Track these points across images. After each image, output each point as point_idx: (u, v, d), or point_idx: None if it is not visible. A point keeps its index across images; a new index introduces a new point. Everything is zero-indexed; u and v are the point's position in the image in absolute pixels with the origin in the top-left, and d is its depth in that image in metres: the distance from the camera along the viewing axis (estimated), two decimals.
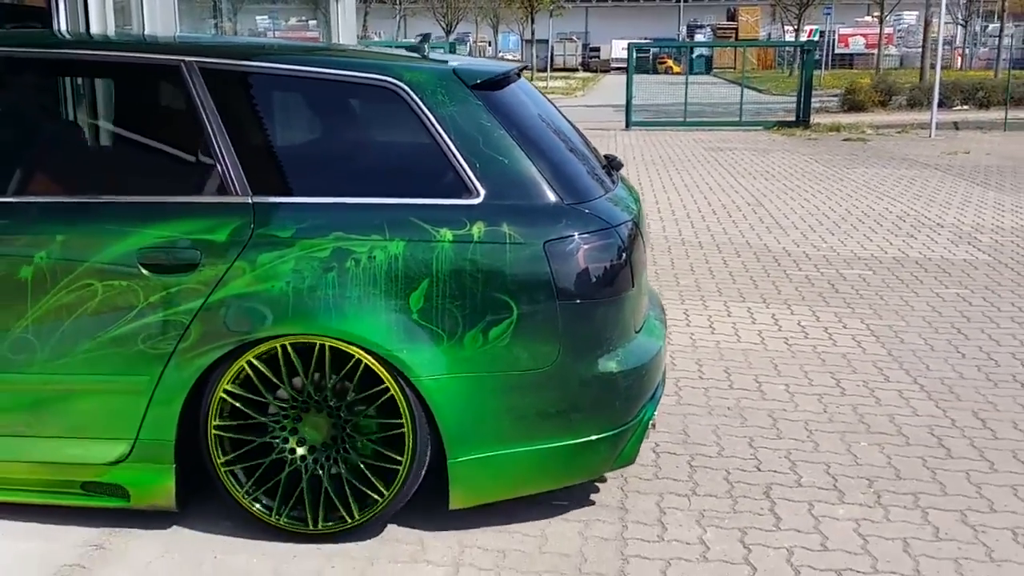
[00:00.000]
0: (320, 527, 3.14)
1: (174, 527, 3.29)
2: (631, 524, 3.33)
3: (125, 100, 3.58)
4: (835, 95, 24.89)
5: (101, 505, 3.21)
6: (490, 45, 49.61)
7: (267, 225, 3.02)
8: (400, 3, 48.85)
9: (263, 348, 3.02)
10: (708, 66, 47.07)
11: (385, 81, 3.14)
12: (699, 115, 21.49)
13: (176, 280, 3.02)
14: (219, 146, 3.11)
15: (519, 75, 3.55)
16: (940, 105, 19.47)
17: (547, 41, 48.57)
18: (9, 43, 3.40)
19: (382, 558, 3.12)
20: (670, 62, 46.53)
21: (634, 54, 21.02)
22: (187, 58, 3.19)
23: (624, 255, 3.11)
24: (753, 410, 4.40)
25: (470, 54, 42.84)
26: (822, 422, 4.26)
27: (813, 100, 21.39)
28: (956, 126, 19.13)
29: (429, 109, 3.09)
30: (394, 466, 3.08)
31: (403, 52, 3.61)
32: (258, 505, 3.16)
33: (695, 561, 3.12)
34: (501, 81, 3.31)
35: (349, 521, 3.13)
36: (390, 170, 3.22)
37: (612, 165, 3.67)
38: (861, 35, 47.00)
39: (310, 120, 3.45)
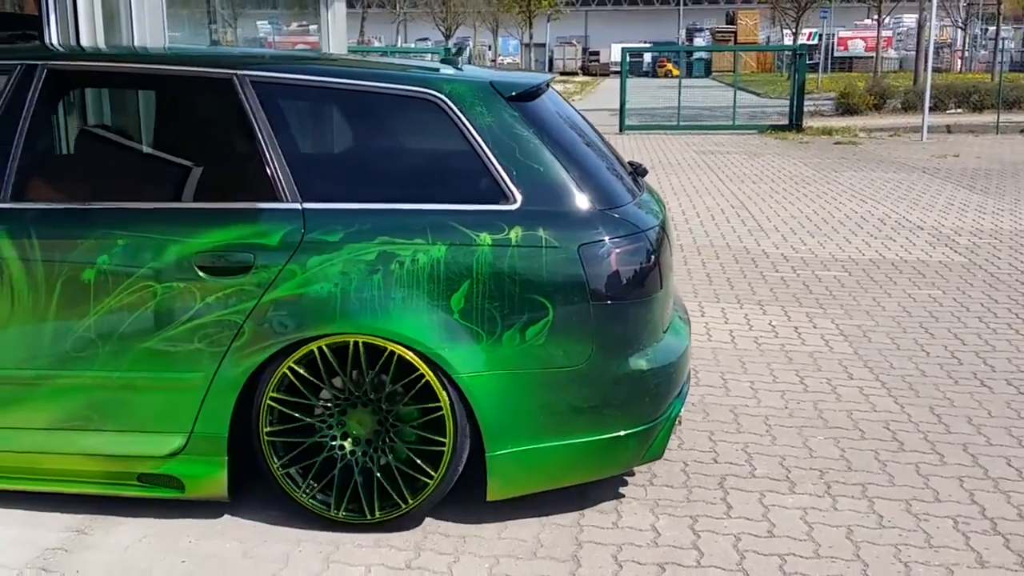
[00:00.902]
0: (377, 515, 3.30)
1: (152, 515, 3.44)
2: (588, 512, 3.49)
3: (181, 111, 3.76)
4: (831, 98, 25.04)
5: (157, 496, 3.38)
6: (490, 49, 49.78)
7: (316, 230, 3.20)
8: (399, 8, 49.04)
9: (311, 347, 3.19)
10: (708, 70, 47.24)
11: (427, 93, 3.33)
12: (694, 119, 21.66)
13: (231, 282, 3.19)
14: (270, 155, 3.29)
15: (549, 86, 3.72)
16: (934, 108, 19.65)
17: (546, 45, 48.73)
18: (68, 56, 3.57)
19: (347, 542, 3.28)
20: (669, 66, 46.69)
21: (627, 58, 21.19)
22: (239, 71, 3.38)
23: (653, 258, 3.29)
24: (716, 406, 4.55)
25: (469, 60, 43.02)
26: (782, 417, 4.41)
27: (809, 103, 21.57)
28: (948, 129, 19.29)
29: (468, 120, 3.28)
30: (439, 448, 3.24)
31: (439, 64, 3.78)
32: (316, 502, 3.32)
33: (645, 546, 3.28)
34: (534, 92, 3.48)
35: (403, 506, 3.30)
36: (431, 177, 3.40)
37: (637, 171, 3.84)
38: (860, 38, 47.13)
39: (355, 130, 3.63)
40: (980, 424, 4.35)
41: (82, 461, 3.36)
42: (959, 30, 43.20)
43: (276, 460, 3.30)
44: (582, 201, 3.25)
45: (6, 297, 3.28)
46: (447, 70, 3.62)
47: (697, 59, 46.96)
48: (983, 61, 40.97)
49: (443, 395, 3.18)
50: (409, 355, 3.16)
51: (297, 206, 3.24)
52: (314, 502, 3.32)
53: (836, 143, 17.37)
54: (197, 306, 3.20)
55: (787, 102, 21.75)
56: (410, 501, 3.28)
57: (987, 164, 13.99)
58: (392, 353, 3.17)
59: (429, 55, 25.32)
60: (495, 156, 3.24)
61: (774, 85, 34.13)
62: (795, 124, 19.76)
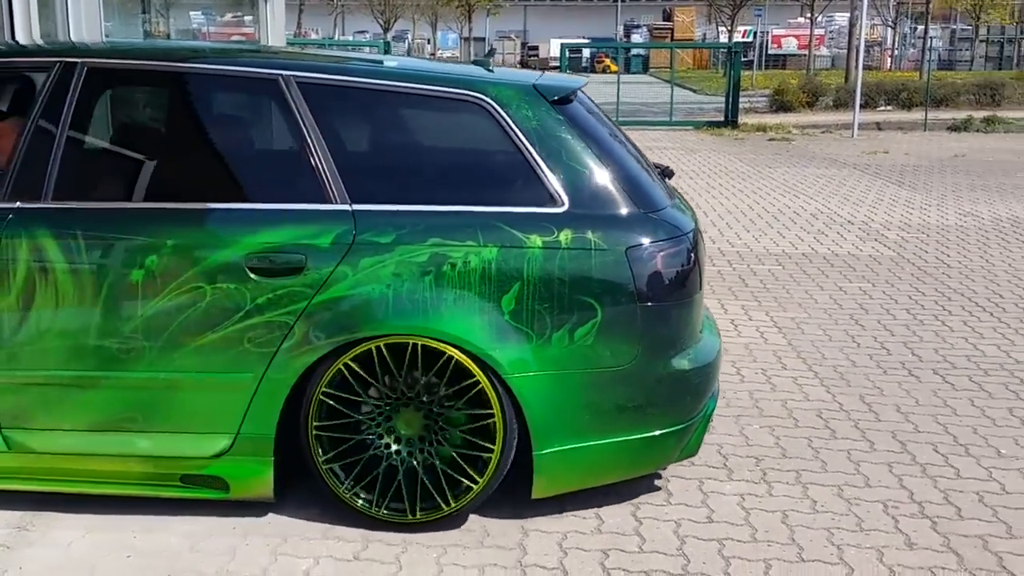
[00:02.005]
0: (418, 516, 3.31)
1: (95, 511, 3.42)
2: (533, 503, 3.55)
3: (226, 111, 3.71)
4: (765, 95, 25.45)
5: (200, 497, 3.36)
6: (429, 43, 49.62)
7: (368, 231, 3.20)
8: (336, 0, 48.65)
9: (363, 348, 3.19)
10: (645, 66, 47.65)
11: (473, 96, 3.35)
12: (632, 115, 21.86)
13: (282, 283, 3.18)
14: (318, 156, 3.28)
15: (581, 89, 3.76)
16: (864, 106, 20.09)
17: (485, 39, 48.74)
18: (108, 54, 3.50)
19: (294, 534, 3.31)
20: (608, 61, 46.98)
21: (566, 53, 21.32)
22: (285, 72, 3.36)
23: (694, 259, 3.36)
24: None
25: (408, 52, 42.83)
26: (719, 407, 4.51)
27: (743, 100, 21.90)
28: (879, 126, 19.75)
29: (515, 123, 3.31)
30: (486, 454, 3.26)
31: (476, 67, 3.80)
32: (360, 500, 3.32)
33: (589, 533, 3.36)
34: (571, 95, 3.52)
35: (445, 509, 3.31)
36: (478, 180, 3.41)
37: (664, 174, 3.89)
38: (793, 36, 47.91)
39: (400, 132, 3.62)
40: (908, 412, 4.50)
41: (125, 462, 3.33)
42: (889, 29, 44.15)
43: (322, 455, 3.30)
44: (627, 204, 3.30)
45: (50, 298, 3.22)
46: (482, 71, 3.64)
47: (635, 55, 47.35)
48: (912, 59, 41.91)
49: (493, 395, 3.20)
50: (460, 356, 3.18)
51: (347, 207, 3.24)
52: (356, 499, 3.32)
53: (770, 139, 17.69)
54: (247, 307, 3.18)
55: (723, 99, 22.08)
56: (452, 504, 3.30)
57: (915, 160, 14.36)
58: (443, 354, 3.19)
59: (368, 48, 25.19)
60: (542, 159, 3.28)
61: (710, 82, 34.56)
62: (731, 121, 20.06)
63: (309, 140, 3.30)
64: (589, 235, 3.21)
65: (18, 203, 3.28)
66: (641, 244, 3.23)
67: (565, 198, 3.25)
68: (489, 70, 3.66)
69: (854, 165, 13.81)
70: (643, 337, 3.25)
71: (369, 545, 3.26)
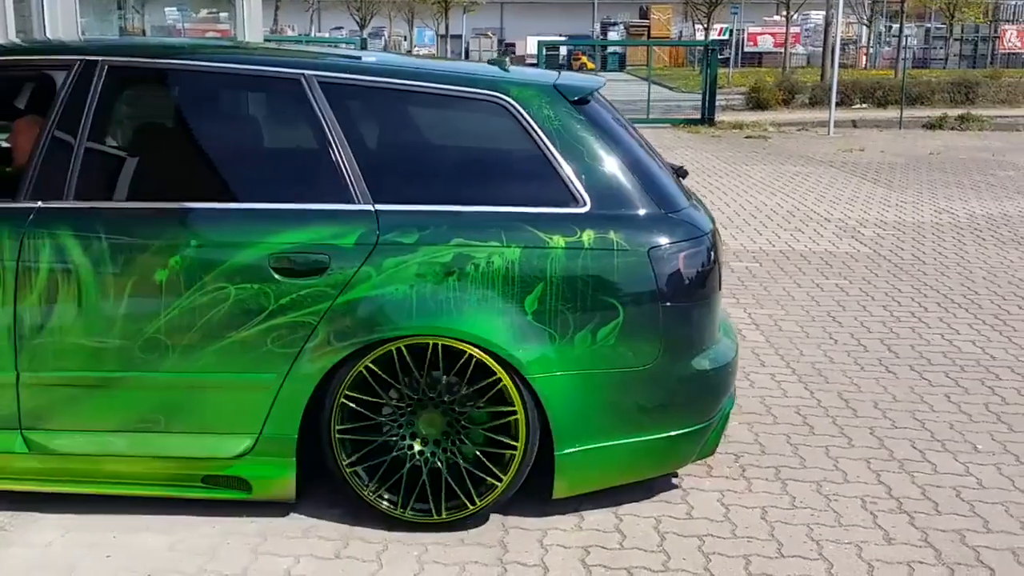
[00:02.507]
0: (444, 515, 3.30)
1: (74, 510, 3.40)
2: (514, 501, 3.55)
3: (248, 110, 3.68)
4: (742, 93, 25.55)
5: (221, 497, 3.33)
6: (405, 40, 49.50)
7: (391, 231, 3.19)
8: None
9: (386, 348, 3.18)
10: (622, 63, 47.74)
11: (494, 96, 3.35)
12: None
13: (306, 283, 3.17)
14: (340, 156, 3.27)
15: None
16: (840, 104, 20.20)
17: (462, 37, 48.70)
18: (129, 52, 3.47)
19: (275, 533, 3.30)
20: (584, 59, 47.04)
21: (543, 51, 21.33)
22: (307, 72, 3.35)
23: (713, 259, 3.37)
24: None
25: (385, 49, 42.73)
26: None
27: (720, 98, 21.97)
28: (854, 124, 19.86)
29: (536, 123, 3.32)
30: (509, 452, 3.26)
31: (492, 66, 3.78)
32: (385, 502, 3.31)
33: (569, 530, 3.37)
34: (590, 95, 3.51)
35: (470, 507, 3.30)
36: (501, 180, 3.42)
37: (678, 174, 3.90)
38: (769, 34, 48.13)
39: (422, 132, 3.61)
40: (886, 408, 4.54)
41: (147, 463, 3.31)
42: (864, 27, 44.41)
43: (345, 458, 3.28)
44: (649, 204, 3.31)
45: (72, 298, 3.19)
46: (500, 71, 3.63)
47: (612, 53, 47.43)
48: (887, 58, 42.19)
49: (516, 396, 3.20)
50: (484, 356, 3.18)
51: (370, 207, 3.23)
52: (381, 501, 3.31)
53: (747, 137, 17.76)
54: (271, 307, 3.17)
55: (699, 96, 22.14)
56: (477, 502, 3.30)
57: (891, 158, 14.47)
58: (467, 354, 3.19)
59: (344, 44, 25.09)
60: (564, 159, 3.29)
61: (687, 80, 34.66)
62: (707, 118, 20.12)
63: (331, 140, 3.29)
64: (611, 235, 3.22)
65: (39, 203, 3.26)
66: (663, 244, 3.25)
67: (587, 198, 3.26)
68: (505, 69, 3.65)
69: (830, 163, 13.89)
70: (664, 337, 3.26)
71: (350, 543, 3.25)
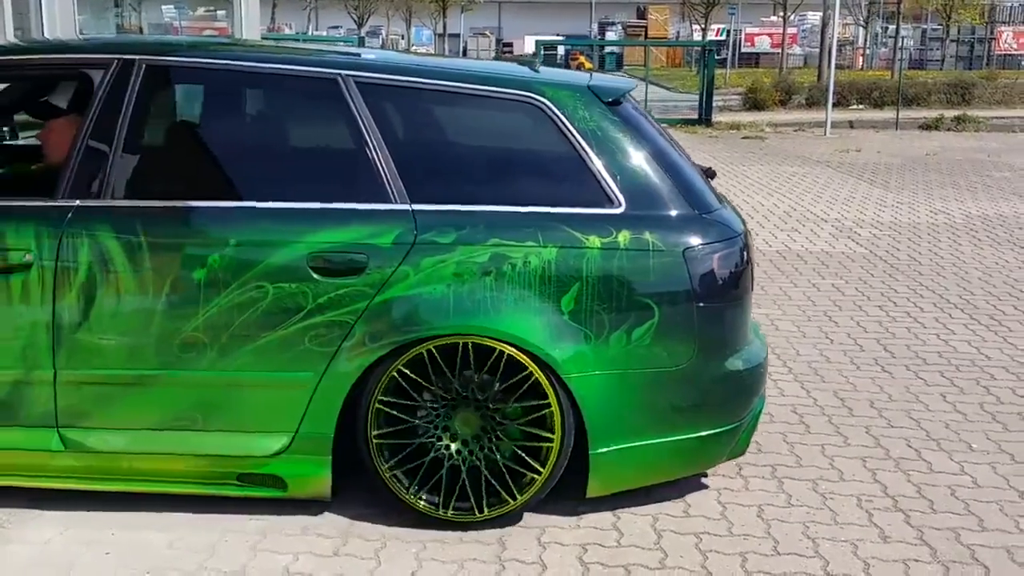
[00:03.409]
0: (487, 513, 3.32)
1: (73, 507, 3.41)
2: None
3: (284, 110, 3.69)
4: (739, 93, 25.57)
5: (256, 495, 3.35)
6: (403, 39, 49.48)
7: (429, 231, 3.21)
8: None
9: (423, 348, 3.20)
10: (619, 63, 47.74)
11: (529, 97, 3.37)
12: None
13: (344, 283, 3.18)
14: (377, 156, 3.29)
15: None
16: (837, 104, 20.22)
17: (460, 36, 48.70)
18: (166, 52, 3.48)
19: (274, 531, 3.31)
20: (582, 59, 47.06)
21: (541, 51, 21.36)
22: (344, 72, 3.36)
23: (747, 259, 3.39)
24: None
25: (382, 47, 42.72)
26: None
27: (717, 98, 21.99)
28: (851, 124, 19.90)
29: (571, 124, 3.33)
30: (547, 444, 3.28)
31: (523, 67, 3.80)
32: (423, 502, 3.32)
33: (567, 528, 3.38)
34: (623, 97, 3.52)
35: (512, 502, 3.32)
36: (537, 180, 3.42)
37: (708, 175, 3.92)
38: (767, 34, 48.17)
39: (458, 132, 3.62)
40: (881, 407, 4.56)
41: (183, 461, 3.32)
42: (861, 28, 44.47)
43: (384, 463, 3.30)
44: (682, 206, 3.33)
45: (111, 296, 3.20)
46: (531, 72, 3.65)
47: (609, 53, 47.43)
48: (884, 59, 42.23)
49: (552, 395, 3.22)
50: (521, 355, 3.19)
51: (407, 207, 3.25)
52: (422, 502, 3.32)
53: (744, 137, 17.79)
54: (309, 306, 3.18)
55: (697, 97, 22.17)
56: (519, 496, 3.31)
57: (887, 159, 14.50)
58: (503, 354, 3.20)
59: (342, 43, 25.09)
60: (599, 160, 3.30)
61: (684, 80, 34.69)
62: (705, 118, 20.15)
63: (368, 139, 3.30)
64: (647, 236, 3.24)
65: (78, 201, 3.27)
66: (698, 245, 3.27)
67: (622, 199, 3.28)
68: (535, 70, 3.66)
69: (827, 163, 13.92)
70: (699, 337, 3.28)
71: (348, 541, 3.27)
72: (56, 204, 3.27)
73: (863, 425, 4.34)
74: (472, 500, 3.31)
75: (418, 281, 3.19)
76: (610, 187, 3.29)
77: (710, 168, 3.98)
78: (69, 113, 3.72)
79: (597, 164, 3.30)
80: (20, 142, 4.81)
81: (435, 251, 3.20)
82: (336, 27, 47.53)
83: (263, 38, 14.97)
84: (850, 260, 7.64)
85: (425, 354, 3.21)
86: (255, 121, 3.66)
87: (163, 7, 12.58)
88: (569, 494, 3.46)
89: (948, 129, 19.19)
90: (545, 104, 3.36)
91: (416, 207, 3.25)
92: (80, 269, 3.20)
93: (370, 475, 3.33)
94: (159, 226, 3.24)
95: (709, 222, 3.34)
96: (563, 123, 3.34)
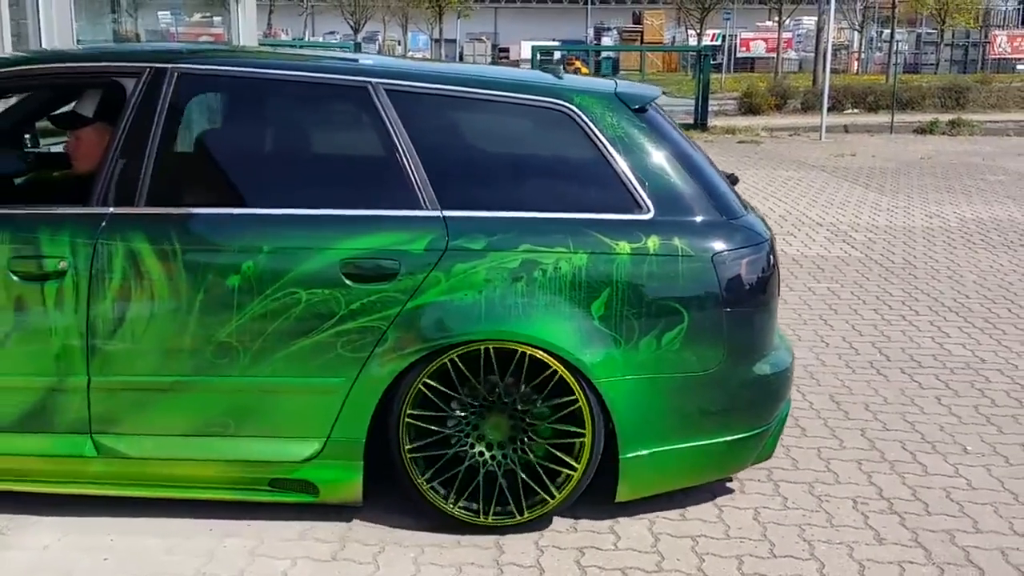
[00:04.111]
0: (526, 515, 3.34)
1: (71, 513, 3.42)
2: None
3: (315, 117, 3.71)
4: (734, 98, 25.63)
5: (287, 501, 3.36)
6: (399, 44, 49.53)
7: (460, 237, 3.23)
8: (306, 1, 48.50)
9: (454, 353, 3.22)
10: (615, 68, 47.77)
11: (558, 104, 3.40)
12: None
13: (376, 289, 3.20)
14: (408, 163, 3.31)
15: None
16: (832, 109, 20.28)
17: (456, 41, 48.76)
18: (198, 60, 3.51)
19: (271, 536, 3.32)
20: (578, 64, 47.12)
21: (537, 56, 21.40)
22: (374, 80, 3.39)
23: (773, 264, 3.42)
24: None
25: (379, 53, 42.75)
26: None
27: (713, 103, 22.05)
28: (846, 129, 19.95)
29: (600, 130, 3.36)
30: (580, 439, 3.29)
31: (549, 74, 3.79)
32: (461, 510, 3.34)
33: (565, 532, 3.40)
34: (649, 104, 3.55)
35: (551, 501, 3.34)
36: (565, 187, 3.45)
37: (731, 181, 3.94)
38: (762, 39, 48.26)
39: (487, 139, 3.64)
40: (876, 410, 4.58)
41: (215, 467, 3.33)
42: (856, 32, 44.60)
43: (420, 476, 3.31)
44: (710, 211, 3.35)
45: (145, 302, 3.22)
46: (544, 79, 3.66)
47: (605, 58, 47.50)
48: (879, 63, 42.34)
49: (583, 399, 3.24)
50: (551, 360, 3.21)
51: (438, 213, 3.27)
52: (461, 510, 3.34)
53: (739, 142, 17.84)
54: (341, 312, 3.20)
55: (692, 101, 22.21)
56: (556, 495, 3.33)
57: (882, 163, 14.54)
58: (535, 359, 3.22)
59: (338, 48, 25.14)
60: (627, 166, 3.33)
61: (680, 85, 34.73)
62: (700, 123, 20.19)
63: (399, 146, 3.33)
64: (676, 242, 3.26)
65: (112, 208, 3.28)
66: (727, 251, 3.30)
67: (650, 205, 3.31)
68: (559, 77, 3.68)
69: (822, 167, 13.96)
70: (728, 342, 3.31)
71: (346, 545, 3.28)
72: (90, 211, 3.29)
73: (858, 428, 4.36)
74: (511, 503, 3.33)
75: (450, 287, 3.21)
76: (639, 193, 3.32)
77: (733, 174, 4.00)
78: (95, 122, 3.74)
79: (625, 170, 3.33)
80: (40, 149, 4.85)
81: (467, 257, 3.22)
82: (332, 32, 47.56)
83: (260, 44, 15.00)
84: (845, 264, 7.67)
85: (457, 359, 3.23)
86: (286, 128, 3.69)
87: (159, 13, 12.59)
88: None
89: (943, 133, 19.25)
90: (573, 111, 3.38)
91: (447, 213, 3.27)
92: (114, 276, 3.22)
93: (406, 488, 3.35)
94: (193, 233, 3.25)
95: (736, 227, 3.37)
96: (591, 130, 3.36)
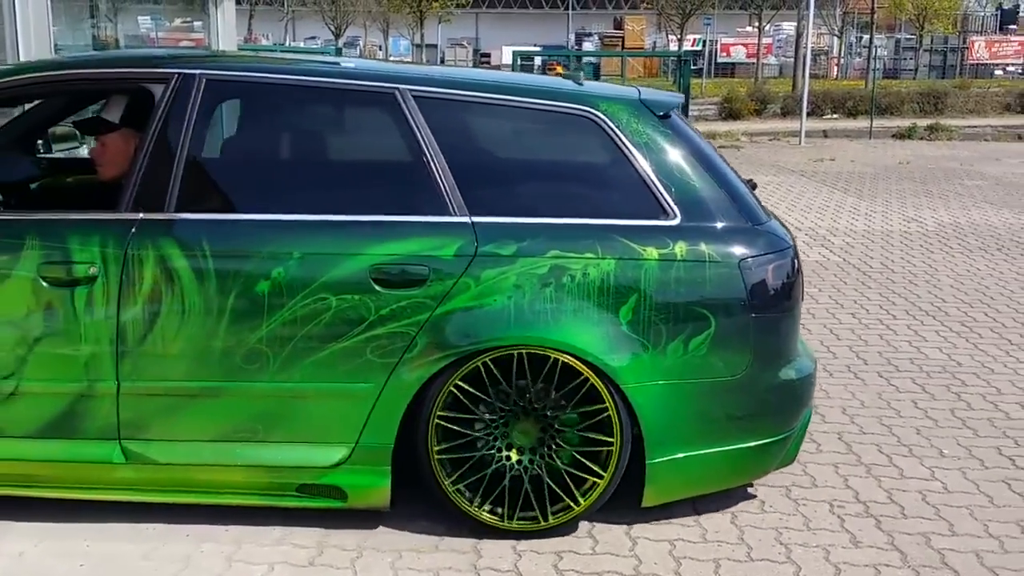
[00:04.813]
0: (551, 520, 3.34)
1: (47, 519, 3.40)
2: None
3: (347, 124, 3.71)
4: (715, 103, 25.73)
5: (315, 506, 3.35)
6: (380, 49, 49.49)
7: (490, 243, 3.24)
8: (287, 5, 48.40)
9: (483, 359, 3.22)
10: (596, 73, 47.90)
11: (584, 111, 3.41)
12: None
13: (406, 294, 3.20)
14: (437, 169, 3.32)
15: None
16: (811, 114, 20.40)
17: (437, 46, 48.76)
18: (226, 66, 3.51)
19: (249, 541, 3.31)
20: (559, 68, 47.21)
21: (518, 61, 21.43)
22: (401, 86, 3.39)
23: (797, 269, 3.44)
24: None
25: (360, 57, 42.63)
26: None
27: (693, 108, 22.12)
28: (825, 134, 20.05)
29: (626, 137, 3.38)
30: (608, 448, 3.30)
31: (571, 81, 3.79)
32: (487, 513, 3.34)
33: (543, 537, 3.39)
34: (672, 110, 3.56)
35: (575, 508, 3.34)
36: (592, 193, 3.47)
37: (751, 187, 3.95)
38: (742, 45, 48.49)
39: (514, 145, 3.66)
40: (853, 414, 4.61)
41: (243, 473, 3.32)
42: (835, 38, 44.85)
43: (447, 478, 3.31)
44: (736, 218, 3.37)
45: (174, 308, 3.20)
46: (570, 85, 3.67)
47: (586, 63, 47.63)
48: (858, 68, 42.61)
49: (611, 404, 3.25)
50: (580, 365, 3.22)
51: (467, 219, 3.27)
52: (486, 514, 3.34)
53: (720, 146, 17.84)
54: (371, 318, 3.20)
55: None
56: (582, 502, 3.33)
57: (861, 168, 14.64)
58: (563, 364, 3.23)
59: (320, 53, 25.09)
60: (654, 173, 3.35)
61: (660, 89, 34.83)
62: None
63: (427, 153, 3.33)
64: (703, 247, 3.28)
65: (142, 214, 3.27)
66: (753, 256, 3.32)
67: (677, 211, 3.32)
68: (579, 83, 3.68)
69: (801, 172, 14.04)
70: (754, 347, 3.32)
71: (324, 551, 3.27)
72: (121, 217, 3.28)
73: (835, 432, 4.39)
74: (536, 509, 3.34)
75: (479, 293, 3.22)
76: (665, 199, 3.33)
77: (751, 180, 4.03)
78: (121, 127, 3.74)
79: (652, 176, 3.35)
80: (55, 155, 4.85)
81: (496, 263, 3.23)
82: (313, 37, 47.49)
83: (240, 49, 14.96)
84: (823, 268, 7.71)
85: (485, 366, 3.23)
86: (315, 134, 3.69)
87: (139, 18, 12.53)
88: None
89: (921, 138, 19.40)
90: (599, 117, 3.40)
91: (476, 219, 3.28)
92: (144, 281, 3.21)
93: (432, 489, 3.35)
94: (223, 239, 3.25)
95: (761, 233, 3.40)
96: (617, 136, 3.38)
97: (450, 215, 3.29)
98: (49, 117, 4.40)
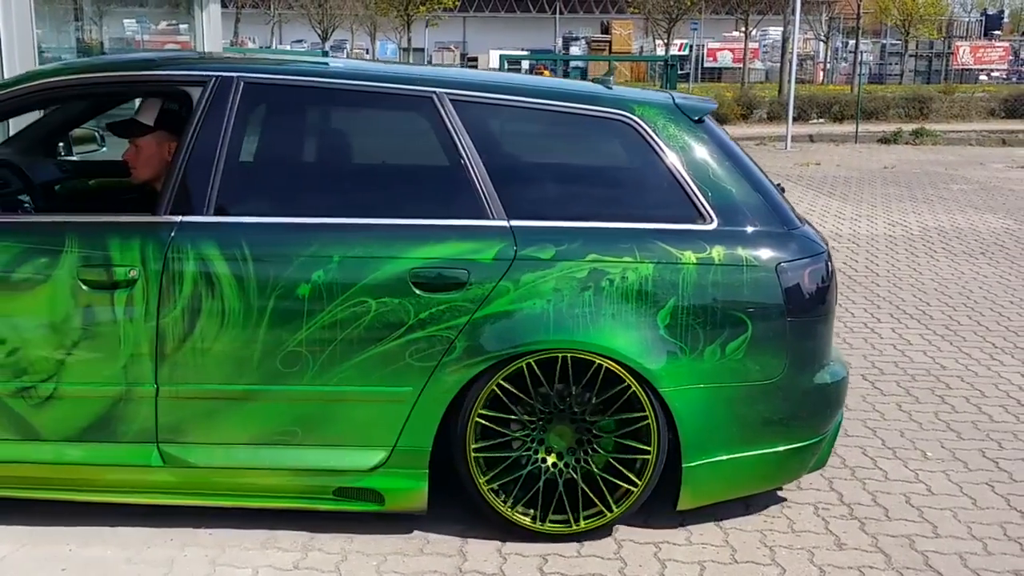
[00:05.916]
0: (583, 524, 3.34)
1: (30, 523, 3.38)
2: (473, 511, 3.58)
3: (385, 128, 3.70)
4: None
5: (353, 510, 3.34)
6: (367, 53, 49.44)
7: (529, 247, 3.24)
8: (273, 8, 48.33)
9: (523, 362, 3.22)
10: (583, 77, 48.02)
11: (620, 115, 3.41)
12: None
13: (445, 298, 3.20)
14: (475, 173, 3.31)
15: None
16: (797, 118, 20.48)
17: (424, 50, 48.75)
18: (264, 70, 3.51)
19: (233, 544, 3.30)
20: (547, 72, 47.26)
21: (505, 65, 21.45)
22: (439, 90, 3.38)
23: (832, 274, 3.45)
24: None
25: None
26: None
27: None
28: (811, 138, 20.15)
29: (662, 141, 3.39)
30: (644, 456, 3.31)
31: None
32: (520, 514, 3.34)
33: (527, 540, 3.39)
34: (706, 115, 3.56)
35: (608, 514, 3.34)
36: (629, 197, 3.47)
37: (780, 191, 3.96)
38: (729, 49, 48.64)
39: (551, 149, 3.67)
40: None
41: (281, 476, 3.31)
42: (821, 43, 45.04)
43: (482, 476, 3.30)
44: (771, 222, 3.37)
45: (214, 312, 3.19)
46: (633, 91, 3.68)
47: (573, 67, 47.71)
48: (844, 73, 42.77)
49: (650, 408, 3.25)
50: (619, 369, 3.22)
51: (505, 223, 3.27)
52: (519, 515, 3.34)
53: None
54: (410, 322, 3.19)
55: None
56: (615, 509, 3.34)
57: (846, 172, 14.70)
58: (602, 367, 3.22)
59: (307, 56, 25.04)
60: (690, 177, 3.36)
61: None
62: None
63: (465, 156, 3.33)
64: (740, 252, 3.29)
65: (181, 217, 3.26)
66: (789, 261, 3.32)
67: (713, 215, 3.33)
68: (609, 88, 3.68)
69: (787, 176, 14.08)
70: (790, 351, 3.33)
71: (309, 554, 3.26)
72: (160, 220, 3.27)
73: None
74: (568, 512, 3.34)
75: (518, 296, 3.22)
76: (702, 203, 3.34)
77: (780, 184, 4.05)
78: (156, 130, 3.73)
79: (689, 181, 3.36)
80: (75, 157, 4.83)
81: (535, 267, 3.23)
82: (300, 41, 47.41)
83: (225, 51, 14.90)
84: None
85: (524, 368, 3.23)
86: (352, 138, 3.69)
87: (125, 21, 12.48)
88: None
89: (906, 143, 19.51)
90: (635, 121, 3.41)
91: (515, 223, 3.28)
92: (184, 285, 3.20)
93: (466, 488, 3.35)
94: (262, 242, 3.24)
95: (796, 237, 3.41)
96: (654, 140, 3.39)
97: (489, 219, 3.29)
98: (70, 120, 4.39)
